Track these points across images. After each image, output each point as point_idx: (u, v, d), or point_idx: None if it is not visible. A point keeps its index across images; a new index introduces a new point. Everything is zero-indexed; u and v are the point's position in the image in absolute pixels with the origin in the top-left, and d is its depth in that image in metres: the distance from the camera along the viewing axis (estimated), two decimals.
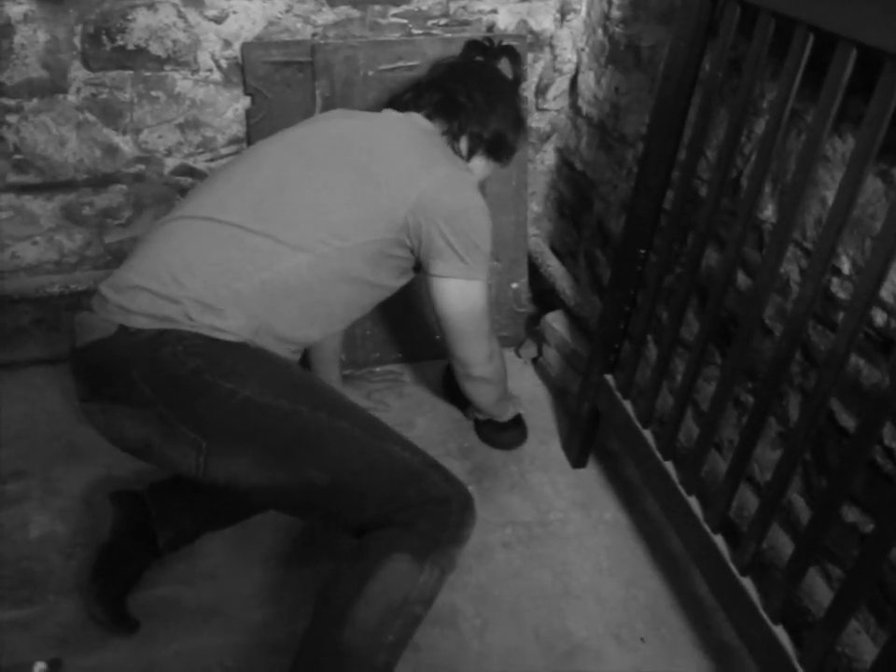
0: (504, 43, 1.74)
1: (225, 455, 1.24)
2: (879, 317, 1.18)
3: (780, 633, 1.20)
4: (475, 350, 1.61)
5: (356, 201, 1.38)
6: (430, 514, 1.26)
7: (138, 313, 1.26)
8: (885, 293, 1.16)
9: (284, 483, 1.26)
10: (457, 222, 1.44)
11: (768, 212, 1.41)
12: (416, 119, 1.57)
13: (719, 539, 1.35)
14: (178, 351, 1.23)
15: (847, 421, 1.27)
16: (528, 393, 2.21)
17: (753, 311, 1.24)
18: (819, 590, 1.36)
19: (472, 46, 1.73)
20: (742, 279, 1.50)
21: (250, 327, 1.29)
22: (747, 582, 1.27)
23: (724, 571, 1.31)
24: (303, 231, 1.34)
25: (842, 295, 1.25)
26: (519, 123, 1.66)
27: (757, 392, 1.26)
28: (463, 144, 1.60)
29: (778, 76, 1.27)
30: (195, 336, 1.25)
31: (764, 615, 1.22)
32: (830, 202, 1.24)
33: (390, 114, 1.59)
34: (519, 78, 1.74)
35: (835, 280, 1.26)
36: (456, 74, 1.64)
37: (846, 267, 1.24)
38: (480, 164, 1.64)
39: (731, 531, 1.40)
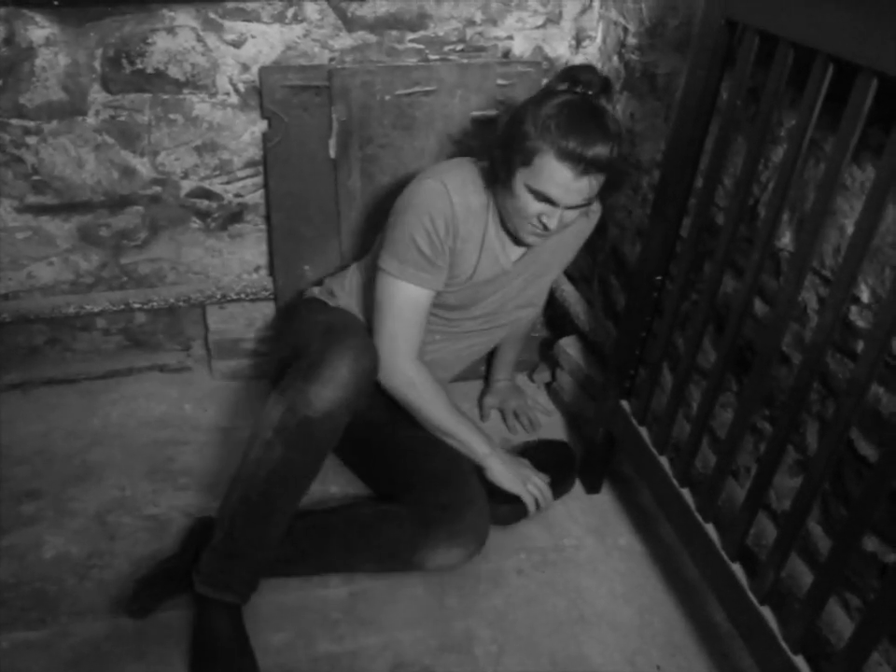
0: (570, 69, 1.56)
1: None
2: None
3: (800, 663, 1.19)
4: (378, 345, 1.67)
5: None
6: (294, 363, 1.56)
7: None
8: None
9: None
10: (393, 215, 1.68)
11: (786, 240, 1.42)
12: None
13: (737, 568, 1.35)
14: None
15: (867, 449, 1.27)
16: (541, 418, 2.20)
17: (771, 339, 1.24)
18: (839, 619, 1.35)
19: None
20: (759, 306, 1.50)
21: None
22: (766, 611, 1.27)
23: (743, 600, 1.30)
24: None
25: (861, 323, 1.25)
26: (507, 144, 1.53)
27: (775, 421, 1.26)
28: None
29: (796, 104, 1.28)
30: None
31: (784, 645, 1.21)
32: (848, 230, 1.25)
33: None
34: (539, 100, 1.52)
35: (854, 308, 1.26)
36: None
37: (865, 296, 1.24)
38: (499, 191, 1.62)
39: (748, 559, 1.40)
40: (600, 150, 1.45)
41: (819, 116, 1.14)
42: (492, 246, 1.70)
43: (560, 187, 1.49)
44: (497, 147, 1.57)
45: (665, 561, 1.77)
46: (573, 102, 1.48)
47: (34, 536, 1.74)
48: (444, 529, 1.60)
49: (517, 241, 1.71)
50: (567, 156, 1.45)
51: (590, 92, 1.50)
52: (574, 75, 1.51)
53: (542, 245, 1.74)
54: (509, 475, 1.75)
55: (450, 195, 1.60)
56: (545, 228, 1.57)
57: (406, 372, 1.69)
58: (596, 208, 1.81)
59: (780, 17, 1.17)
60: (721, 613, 1.58)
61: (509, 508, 1.77)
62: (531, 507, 1.77)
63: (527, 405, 2.20)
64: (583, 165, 1.46)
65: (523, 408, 2.18)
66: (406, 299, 1.66)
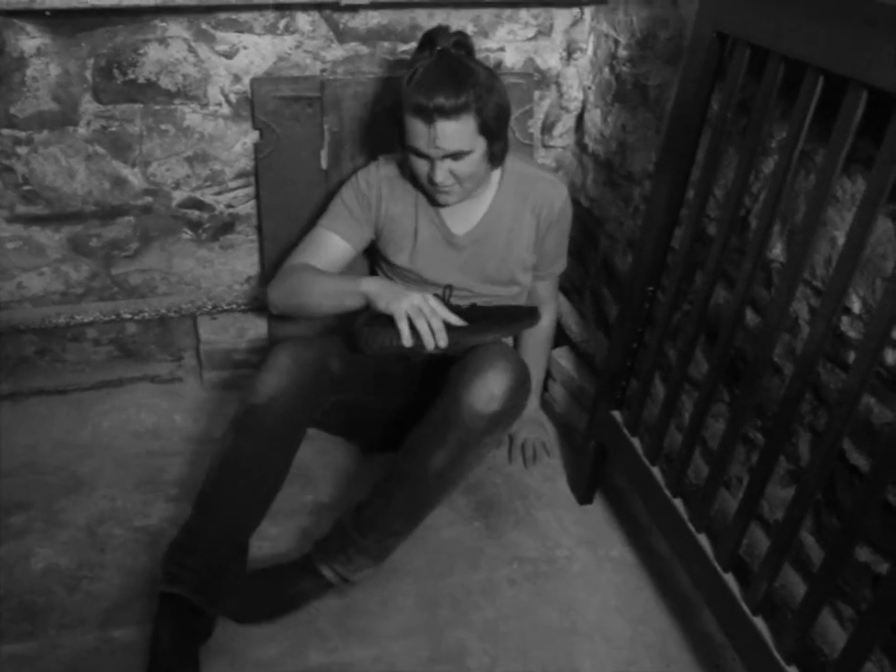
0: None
1: None
2: (891, 356, 1.18)
3: None
4: None
5: None
6: None
7: None
8: None
9: None
10: None
11: (777, 250, 1.42)
12: None
13: (729, 578, 1.35)
14: None
15: (858, 460, 1.27)
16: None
17: (763, 350, 1.24)
18: (832, 629, 1.35)
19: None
20: (751, 317, 1.51)
21: None
22: (759, 622, 1.27)
23: (736, 610, 1.30)
24: None
25: (852, 334, 1.26)
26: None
27: (767, 432, 1.26)
28: None
29: (787, 116, 1.29)
30: None
31: (777, 655, 1.21)
32: (839, 241, 1.26)
33: None
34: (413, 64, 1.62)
35: (845, 319, 1.26)
36: None
37: (856, 306, 1.24)
38: None
39: (741, 569, 1.40)
40: (441, 99, 1.53)
41: (809, 128, 1.15)
42: (427, 209, 1.79)
43: (420, 138, 1.59)
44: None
45: (658, 572, 1.76)
46: (429, 62, 1.59)
47: (23, 547, 1.72)
48: (469, 371, 1.55)
49: (433, 201, 1.76)
50: (415, 109, 1.56)
51: (440, 49, 1.60)
52: (431, 38, 1.63)
53: (496, 223, 1.80)
54: (386, 293, 1.57)
55: (379, 166, 1.81)
56: (432, 182, 1.65)
57: (275, 279, 1.78)
58: (556, 191, 1.82)
59: (771, 30, 1.18)
60: (713, 624, 1.58)
61: (374, 330, 1.53)
62: (399, 321, 1.51)
63: (541, 440, 2.10)
64: (427, 113, 1.55)
65: (533, 441, 2.09)
66: (319, 238, 1.79)
